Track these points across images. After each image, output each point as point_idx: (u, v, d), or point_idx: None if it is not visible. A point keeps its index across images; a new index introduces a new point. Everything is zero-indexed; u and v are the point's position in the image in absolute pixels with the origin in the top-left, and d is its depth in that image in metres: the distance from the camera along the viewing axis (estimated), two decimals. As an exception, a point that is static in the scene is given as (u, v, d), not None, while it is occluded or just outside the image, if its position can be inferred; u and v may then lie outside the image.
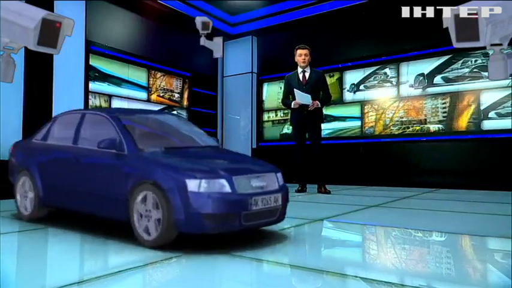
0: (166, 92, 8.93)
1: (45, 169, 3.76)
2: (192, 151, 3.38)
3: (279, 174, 3.07)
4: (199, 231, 2.65)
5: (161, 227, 2.67)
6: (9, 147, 4.47)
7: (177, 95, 9.17)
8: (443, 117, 7.62)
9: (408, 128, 7.97)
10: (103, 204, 3.18)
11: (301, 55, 6.28)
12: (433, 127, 7.71)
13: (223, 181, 2.66)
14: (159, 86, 8.76)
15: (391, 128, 8.15)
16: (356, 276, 2.24)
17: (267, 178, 2.92)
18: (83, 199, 3.36)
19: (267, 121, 9.82)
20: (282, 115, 9.57)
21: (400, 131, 8.04)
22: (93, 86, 7.31)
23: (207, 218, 2.59)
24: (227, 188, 2.65)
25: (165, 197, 2.65)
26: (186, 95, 9.37)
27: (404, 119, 8.02)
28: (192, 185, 2.60)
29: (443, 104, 7.62)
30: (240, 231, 2.78)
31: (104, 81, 7.57)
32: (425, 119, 7.82)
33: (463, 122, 7.43)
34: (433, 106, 7.72)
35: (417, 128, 7.89)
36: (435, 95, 7.68)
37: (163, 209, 2.65)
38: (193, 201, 2.59)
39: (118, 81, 7.84)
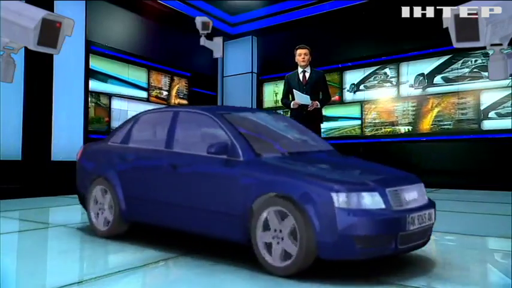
0: (153, 90, 8.62)
1: (129, 177, 3.17)
2: (318, 156, 2.87)
3: (423, 185, 2.58)
4: (347, 257, 2.18)
5: (298, 252, 2.19)
6: (77, 151, 3.80)
7: (165, 93, 8.90)
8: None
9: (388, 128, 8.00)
10: (210, 221, 2.63)
11: (300, 54, 6.24)
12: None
13: (376, 195, 2.20)
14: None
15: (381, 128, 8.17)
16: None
17: (417, 190, 2.46)
18: (181, 214, 2.82)
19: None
20: (281, 113, 9.56)
21: (396, 131, 8.06)
22: (93, 85, 7.30)
23: (359, 241, 2.11)
24: (381, 204, 2.19)
25: (303, 215, 2.18)
26: (173, 93, 9.10)
27: (398, 120, 8.04)
28: (340, 199, 2.14)
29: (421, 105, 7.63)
30: (391, 256, 2.28)
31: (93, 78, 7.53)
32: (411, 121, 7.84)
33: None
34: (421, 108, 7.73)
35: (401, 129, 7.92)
36: (424, 96, 7.70)
37: (301, 230, 2.17)
38: (341, 220, 2.11)
39: (103, 77, 7.57)
